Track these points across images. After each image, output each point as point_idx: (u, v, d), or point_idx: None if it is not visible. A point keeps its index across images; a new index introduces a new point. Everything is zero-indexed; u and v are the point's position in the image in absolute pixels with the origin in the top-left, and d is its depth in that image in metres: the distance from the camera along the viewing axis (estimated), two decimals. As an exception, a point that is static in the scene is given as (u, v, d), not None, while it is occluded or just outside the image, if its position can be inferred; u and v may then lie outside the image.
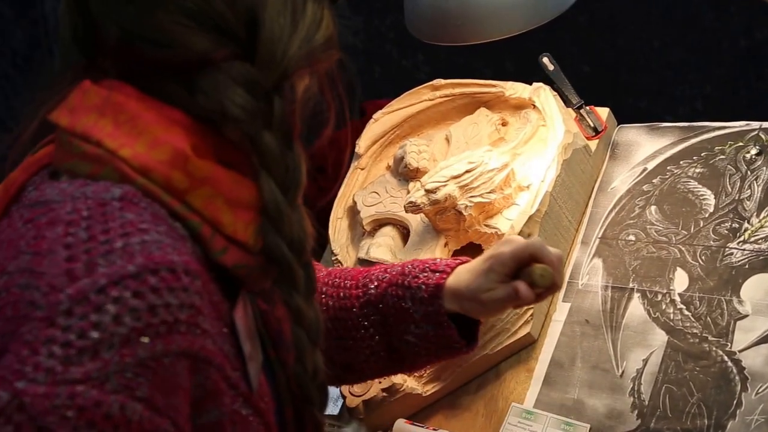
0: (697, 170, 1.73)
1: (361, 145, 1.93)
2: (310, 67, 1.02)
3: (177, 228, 0.95)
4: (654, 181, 1.75)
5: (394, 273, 1.38)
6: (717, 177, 1.70)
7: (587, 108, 1.86)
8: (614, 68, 2.88)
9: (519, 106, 1.87)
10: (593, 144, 1.82)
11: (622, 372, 1.54)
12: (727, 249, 1.61)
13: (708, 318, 1.55)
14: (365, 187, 1.89)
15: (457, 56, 2.77)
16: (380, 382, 1.62)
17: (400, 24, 2.10)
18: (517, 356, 1.64)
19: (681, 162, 1.76)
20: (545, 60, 1.92)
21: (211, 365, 0.95)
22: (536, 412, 1.54)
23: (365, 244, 1.78)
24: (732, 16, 2.72)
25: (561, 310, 1.66)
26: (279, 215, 0.98)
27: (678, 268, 1.62)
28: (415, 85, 1.97)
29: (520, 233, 1.63)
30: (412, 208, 1.68)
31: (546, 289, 1.30)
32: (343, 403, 1.69)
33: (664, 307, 1.59)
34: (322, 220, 1.88)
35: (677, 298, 1.59)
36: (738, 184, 1.68)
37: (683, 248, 1.64)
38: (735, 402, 1.45)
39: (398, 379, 1.61)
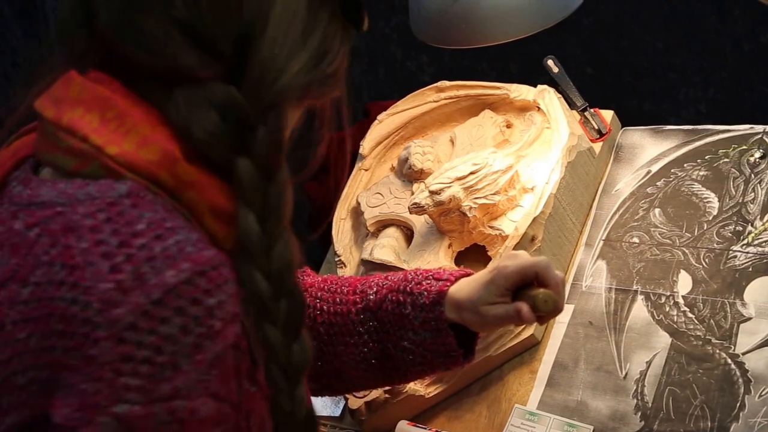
0: (701, 173, 1.73)
1: (365, 146, 1.93)
2: (304, 99, 1.00)
3: (184, 215, 0.94)
4: (658, 183, 1.75)
5: (395, 280, 1.37)
6: (721, 180, 1.71)
7: (591, 110, 1.87)
8: (618, 71, 2.89)
9: (523, 108, 1.87)
10: (597, 146, 1.82)
11: (626, 374, 1.54)
12: (730, 252, 1.61)
13: (711, 320, 1.55)
14: (369, 188, 1.89)
15: (462, 58, 2.78)
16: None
17: (405, 26, 2.10)
18: (521, 358, 1.65)
19: (685, 165, 1.76)
20: (550, 62, 1.92)
21: (239, 348, 0.96)
22: (539, 413, 1.54)
23: (369, 245, 1.78)
24: (736, 19, 2.72)
25: (564, 311, 1.65)
26: (252, 246, 0.95)
27: (682, 271, 1.62)
28: (419, 86, 1.97)
29: (525, 235, 1.63)
30: (416, 209, 1.69)
31: (548, 313, 1.29)
32: (345, 405, 1.69)
33: (667, 309, 1.59)
34: (325, 220, 1.88)
35: (681, 301, 1.59)
36: (742, 187, 1.68)
37: (687, 251, 1.64)
38: (738, 404, 1.45)
39: (401, 380, 1.61)
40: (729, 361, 1.50)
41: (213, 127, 0.94)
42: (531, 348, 1.65)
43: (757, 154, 1.71)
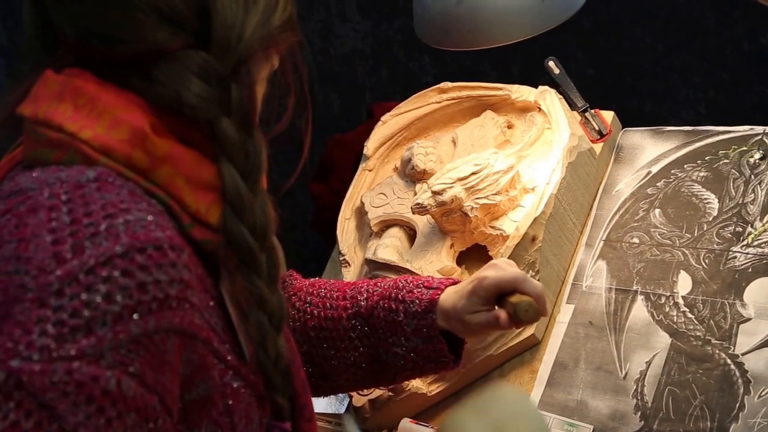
0: (701, 174, 1.74)
1: (369, 146, 1.94)
2: (267, 50, 1.02)
3: (154, 204, 0.95)
4: (658, 184, 1.76)
5: (385, 287, 1.39)
6: (721, 181, 1.72)
7: (592, 111, 1.87)
8: (619, 72, 2.89)
9: (525, 109, 1.88)
10: (598, 147, 1.83)
11: (626, 374, 1.55)
12: (730, 252, 1.62)
13: (711, 321, 1.56)
14: (373, 189, 1.90)
15: (464, 59, 2.79)
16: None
17: (407, 27, 2.11)
18: (521, 357, 1.66)
19: (685, 166, 1.77)
20: (551, 63, 1.93)
21: (197, 339, 0.95)
22: (540, 413, 1.55)
23: (372, 244, 1.79)
24: (736, 20, 2.72)
25: (565, 311, 1.67)
26: (240, 201, 0.98)
27: (681, 271, 1.63)
28: (421, 87, 1.98)
29: (525, 235, 1.64)
30: (419, 209, 1.70)
31: (527, 321, 1.32)
32: (349, 402, 1.70)
33: (667, 309, 1.60)
34: (330, 220, 1.89)
35: (681, 301, 1.60)
36: (742, 188, 1.69)
37: (687, 251, 1.65)
38: (738, 405, 1.46)
39: (404, 378, 1.62)
40: (729, 361, 1.51)
41: (201, 90, 0.96)
42: (531, 348, 1.66)
43: (757, 156, 1.72)
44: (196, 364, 0.96)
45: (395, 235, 1.79)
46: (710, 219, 1.68)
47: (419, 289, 1.36)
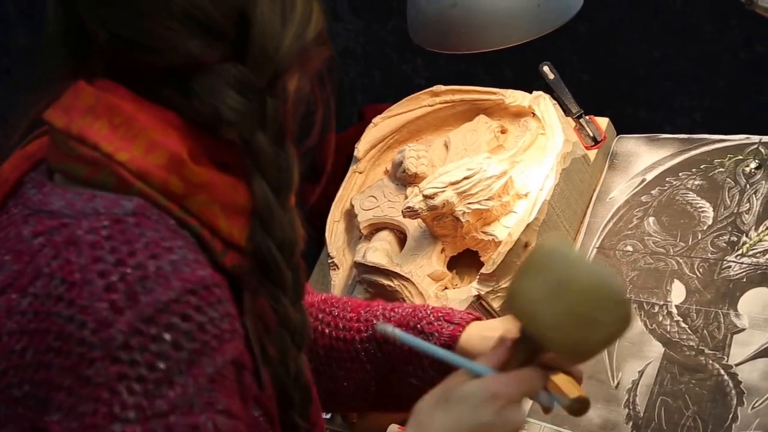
0: (696, 182, 1.73)
1: (360, 149, 1.93)
2: (302, 64, 1.01)
3: (187, 236, 0.95)
4: (652, 192, 1.75)
5: (403, 314, 1.36)
6: (716, 190, 1.70)
7: (587, 117, 1.86)
8: (614, 78, 2.89)
9: (518, 114, 1.87)
10: (592, 153, 1.82)
11: (618, 383, 1.54)
12: (725, 262, 1.61)
13: (705, 331, 1.54)
14: (363, 191, 1.88)
15: (457, 63, 2.77)
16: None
17: (401, 29, 2.09)
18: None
19: (680, 174, 1.76)
20: (545, 69, 1.92)
21: (245, 368, 0.97)
22: (531, 421, 1.54)
23: (362, 247, 1.78)
24: (732, 28, 2.72)
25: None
26: (270, 216, 0.98)
27: (675, 280, 1.62)
28: (414, 90, 1.97)
29: (518, 241, 1.62)
30: (410, 213, 1.68)
31: (572, 413, 1.18)
32: (336, 408, 1.69)
33: (660, 318, 1.58)
34: (319, 223, 1.87)
35: (674, 310, 1.58)
36: (737, 198, 1.68)
37: (681, 260, 1.64)
38: (731, 416, 1.44)
39: (392, 385, 1.61)
40: (722, 372, 1.49)
41: (238, 104, 0.95)
42: (523, 355, 1.64)
43: (753, 165, 1.71)
44: (243, 393, 0.97)
45: (385, 238, 1.78)
46: (705, 228, 1.67)
47: (440, 323, 1.33)
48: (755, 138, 1.75)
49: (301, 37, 0.99)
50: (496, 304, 1.61)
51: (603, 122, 1.87)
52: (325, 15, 1.04)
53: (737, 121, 2.69)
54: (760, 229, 1.62)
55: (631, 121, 2.38)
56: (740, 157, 1.73)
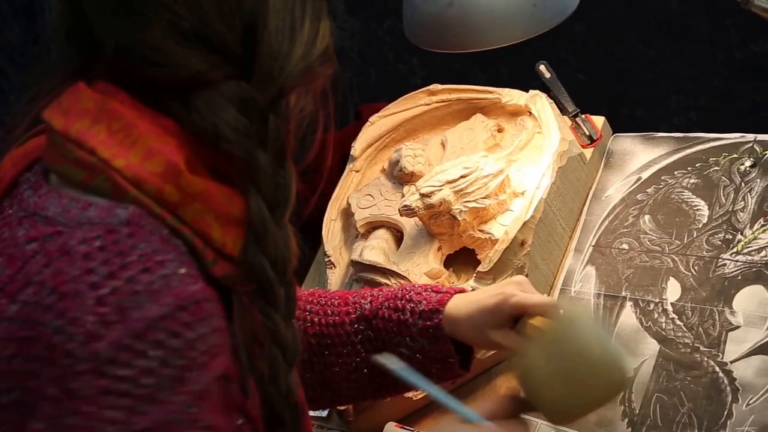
0: (692, 181, 1.74)
1: (357, 147, 1.93)
2: (307, 83, 1.01)
3: (179, 245, 0.95)
4: (648, 190, 1.75)
5: (391, 290, 1.38)
6: (711, 188, 1.71)
7: (583, 116, 1.87)
8: (610, 77, 2.89)
9: (515, 112, 1.88)
10: (588, 152, 1.82)
11: (613, 380, 1.54)
12: (720, 260, 1.61)
13: (700, 328, 1.55)
14: (360, 190, 1.89)
15: (453, 62, 2.77)
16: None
17: (397, 28, 2.09)
18: (509, 362, 1.64)
19: (675, 172, 1.76)
20: (542, 68, 1.92)
21: (232, 380, 0.97)
22: (526, 418, 1.54)
23: (358, 246, 1.78)
24: (728, 28, 2.72)
25: (553, 317, 1.66)
26: (264, 233, 0.97)
27: (671, 278, 1.62)
28: (410, 89, 1.97)
29: (514, 239, 1.63)
30: (407, 211, 1.68)
31: None
32: (333, 405, 1.69)
33: (656, 316, 1.59)
34: (315, 221, 1.88)
35: (669, 308, 1.59)
36: (732, 196, 1.68)
37: (676, 258, 1.65)
38: (726, 413, 1.45)
39: (389, 382, 1.61)
40: (717, 369, 1.50)
41: (237, 123, 0.95)
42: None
43: (748, 163, 1.71)
44: (229, 404, 0.97)
45: (382, 236, 1.78)
46: (700, 226, 1.67)
47: (427, 292, 1.35)
48: (750, 136, 1.75)
49: (307, 56, 0.99)
50: (492, 302, 1.62)
51: (599, 121, 1.88)
52: (332, 30, 1.03)
53: (732, 120, 2.70)
54: (755, 227, 1.62)
55: (627, 120, 2.39)
56: (735, 155, 1.74)
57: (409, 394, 1.61)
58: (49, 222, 0.93)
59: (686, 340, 1.55)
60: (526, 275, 1.63)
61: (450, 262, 1.75)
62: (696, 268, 1.62)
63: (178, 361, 0.89)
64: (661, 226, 1.70)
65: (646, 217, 1.72)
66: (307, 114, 1.04)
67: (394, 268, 1.69)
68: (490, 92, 1.90)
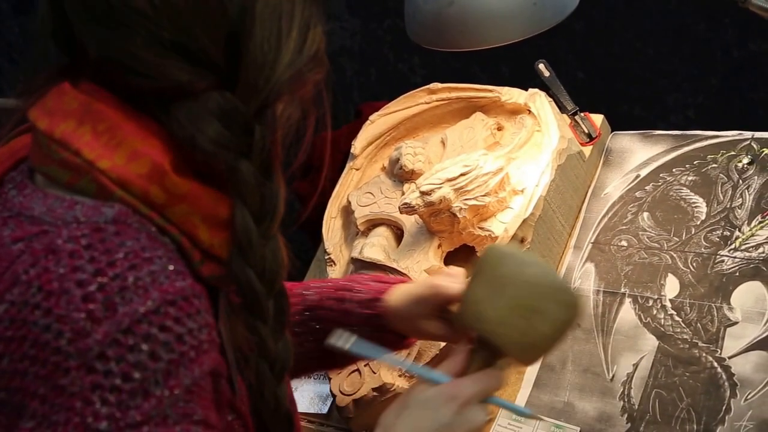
0: (690, 178, 1.74)
1: (357, 146, 1.94)
2: (294, 90, 0.99)
3: (167, 243, 0.94)
4: (647, 188, 1.76)
5: (335, 282, 1.39)
6: (709, 185, 1.72)
7: (582, 114, 1.87)
8: (609, 76, 2.90)
9: (514, 111, 1.88)
10: (587, 150, 1.83)
11: (613, 376, 1.55)
12: (718, 256, 1.62)
13: (698, 324, 1.56)
14: (360, 188, 1.89)
15: (453, 60, 2.78)
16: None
17: (397, 27, 2.10)
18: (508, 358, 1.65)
19: (674, 170, 1.77)
20: (541, 66, 1.93)
21: (222, 376, 0.97)
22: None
23: (359, 243, 1.79)
24: (726, 26, 2.73)
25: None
26: (249, 245, 0.96)
27: (669, 274, 1.63)
28: (410, 88, 1.98)
29: (514, 236, 1.64)
30: (407, 209, 1.69)
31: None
32: (333, 402, 1.69)
33: (655, 312, 1.60)
34: (315, 219, 1.88)
35: (668, 304, 1.60)
36: (730, 193, 1.69)
37: (675, 255, 1.65)
38: (724, 407, 1.46)
39: (389, 378, 1.62)
40: (715, 364, 1.51)
41: (219, 136, 0.94)
42: (519, 349, 1.65)
43: (745, 160, 1.72)
44: (219, 400, 0.97)
45: (382, 234, 1.79)
46: (698, 223, 1.68)
47: (374, 282, 1.36)
48: (748, 134, 1.76)
49: (294, 65, 0.97)
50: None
51: (598, 119, 1.89)
52: (323, 34, 1.01)
53: (730, 117, 2.70)
54: (753, 224, 1.63)
55: (626, 118, 2.40)
56: (733, 152, 1.74)
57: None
58: (34, 221, 0.93)
59: (685, 336, 1.55)
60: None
61: (450, 259, 1.76)
62: (694, 264, 1.63)
63: (168, 354, 0.89)
64: (659, 223, 1.71)
65: (645, 214, 1.73)
66: (294, 122, 1.02)
67: (394, 265, 1.69)
68: (490, 91, 1.90)
